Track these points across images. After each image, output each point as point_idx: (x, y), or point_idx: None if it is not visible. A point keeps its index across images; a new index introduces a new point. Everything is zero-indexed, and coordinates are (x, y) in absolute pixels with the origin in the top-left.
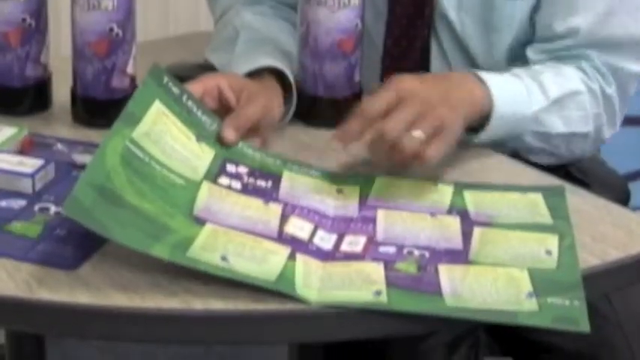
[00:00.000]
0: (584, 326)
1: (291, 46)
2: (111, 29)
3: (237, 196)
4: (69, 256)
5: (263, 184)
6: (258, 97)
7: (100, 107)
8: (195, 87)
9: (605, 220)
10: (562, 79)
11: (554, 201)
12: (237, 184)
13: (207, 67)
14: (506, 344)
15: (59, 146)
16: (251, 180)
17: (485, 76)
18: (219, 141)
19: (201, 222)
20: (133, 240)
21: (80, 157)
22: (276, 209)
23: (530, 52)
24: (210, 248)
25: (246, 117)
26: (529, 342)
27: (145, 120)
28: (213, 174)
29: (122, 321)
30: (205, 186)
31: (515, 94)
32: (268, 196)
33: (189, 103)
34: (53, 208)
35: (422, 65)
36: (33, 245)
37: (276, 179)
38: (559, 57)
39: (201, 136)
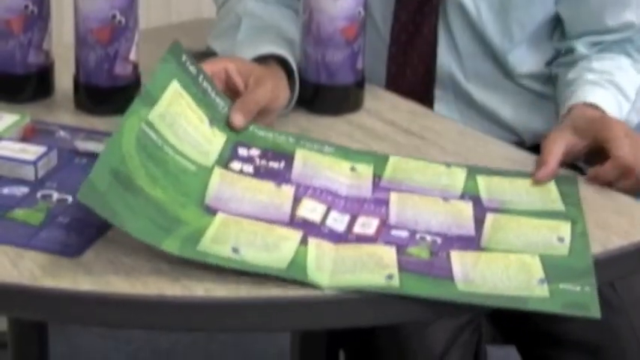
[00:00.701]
0: (595, 312)
1: (293, 34)
2: (113, 16)
3: (248, 181)
4: (72, 243)
5: (275, 165)
6: (265, 81)
7: (102, 94)
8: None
9: (608, 207)
10: (625, 74)
11: (567, 188)
12: (249, 168)
13: (210, 55)
14: (510, 333)
15: (62, 133)
16: (263, 162)
17: (596, 101)
18: (228, 125)
19: (212, 212)
20: (145, 233)
21: (83, 144)
22: (288, 192)
23: (581, 46)
24: (221, 240)
25: (255, 101)
26: (533, 330)
27: (161, 101)
28: (225, 159)
29: (124, 308)
30: (217, 172)
31: (615, 111)
32: (281, 177)
33: (205, 83)
34: (56, 195)
35: (429, 52)
36: (36, 232)
37: (289, 159)
38: (608, 47)
39: (214, 119)
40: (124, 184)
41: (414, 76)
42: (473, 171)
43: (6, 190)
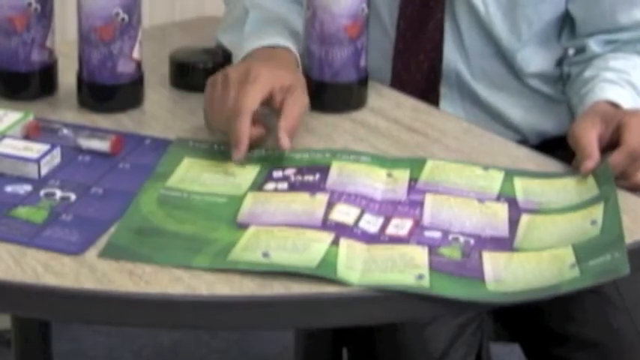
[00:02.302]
0: (624, 271)
1: (299, 27)
2: (117, 14)
3: (283, 195)
4: (74, 241)
5: (311, 178)
6: (297, 90)
7: (105, 92)
8: (260, 89)
9: None
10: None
11: (601, 169)
12: (283, 185)
13: (214, 52)
14: (514, 330)
15: (65, 131)
16: (298, 177)
17: (617, 100)
18: (275, 146)
19: (244, 226)
20: (174, 258)
21: (86, 142)
22: (322, 199)
23: (594, 45)
24: (251, 248)
25: (295, 117)
26: (537, 328)
27: (176, 173)
28: (259, 184)
29: (127, 306)
30: (250, 195)
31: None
32: (315, 187)
33: (222, 148)
34: (59, 193)
35: (435, 49)
36: (38, 230)
37: (325, 170)
38: (620, 46)
39: (240, 164)
40: (150, 233)
41: (420, 73)
42: (510, 173)
43: (9, 188)
